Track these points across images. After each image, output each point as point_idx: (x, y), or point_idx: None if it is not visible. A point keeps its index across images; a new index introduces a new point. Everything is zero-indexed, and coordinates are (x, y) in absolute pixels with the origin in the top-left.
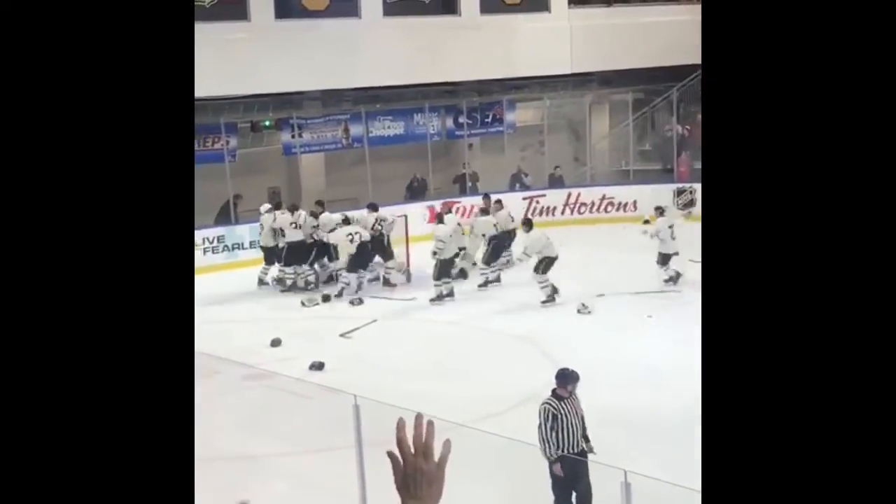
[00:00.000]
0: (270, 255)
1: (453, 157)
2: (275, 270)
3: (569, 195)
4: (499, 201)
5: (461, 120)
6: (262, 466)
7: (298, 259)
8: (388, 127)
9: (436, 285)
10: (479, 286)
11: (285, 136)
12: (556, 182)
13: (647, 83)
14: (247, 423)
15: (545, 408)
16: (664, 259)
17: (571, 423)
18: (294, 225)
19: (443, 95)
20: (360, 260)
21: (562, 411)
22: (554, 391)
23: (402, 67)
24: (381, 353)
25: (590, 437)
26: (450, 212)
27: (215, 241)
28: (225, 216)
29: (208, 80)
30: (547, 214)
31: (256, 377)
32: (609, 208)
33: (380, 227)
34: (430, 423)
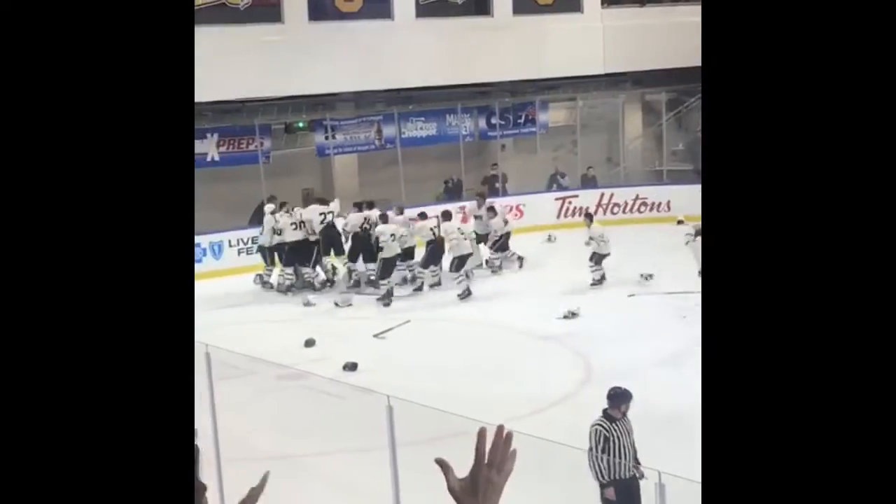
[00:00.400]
0: (269, 256)
1: (485, 157)
2: (276, 273)
3: (602, 195)
4: (491, 207)
5: (493, 121)
6: (297, 466)
7: (300, 260)
8: (421, 128)
9: (382, 285)
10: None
11: (319, 138)
12: (588, 182)
13: (680, 83)
14: (281, 423)
15: (596, 429)
16: (598, 259)
17: (624, 446)
18: (294, 225)
19: (475, 96)
20: (433, 257)
21: (614, 434)
22: (605, 411)
23: (434, 68)
24: (415, 354)
25: (639, 458)
26: (449, 217)
27: (249, 241)
28: (259, 217)
29: (243, 82)
30: (579, 215)
31: (291, 377)
32: (642, 208)
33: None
34: (510, 435)
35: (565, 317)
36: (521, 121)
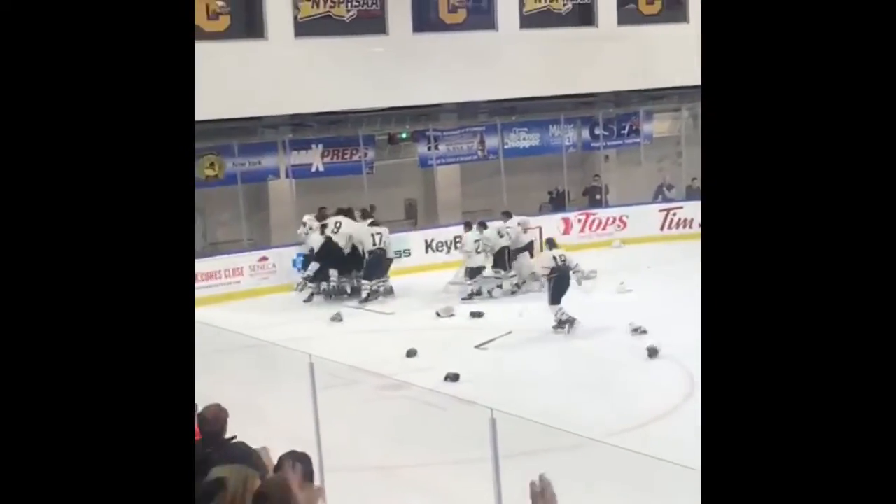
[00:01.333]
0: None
1: (589, 168)
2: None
3: None
4: (482, 222)
5: (597, 131)
6: (397, 477)
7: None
8: (524, 138)
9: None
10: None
11: (422, 148)
12: (693, 194)
13: None
14: (382, 434)
15: None
16: (471, 273)
17: None
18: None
19: (579, 107)
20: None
21: None
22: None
23: (538, 79)
24: (517, 366)
25: None
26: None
27: None
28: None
29: (347, 93)
30: (684, 227)
31: (393, 387)
32: None
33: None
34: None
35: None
36: (625, 131)
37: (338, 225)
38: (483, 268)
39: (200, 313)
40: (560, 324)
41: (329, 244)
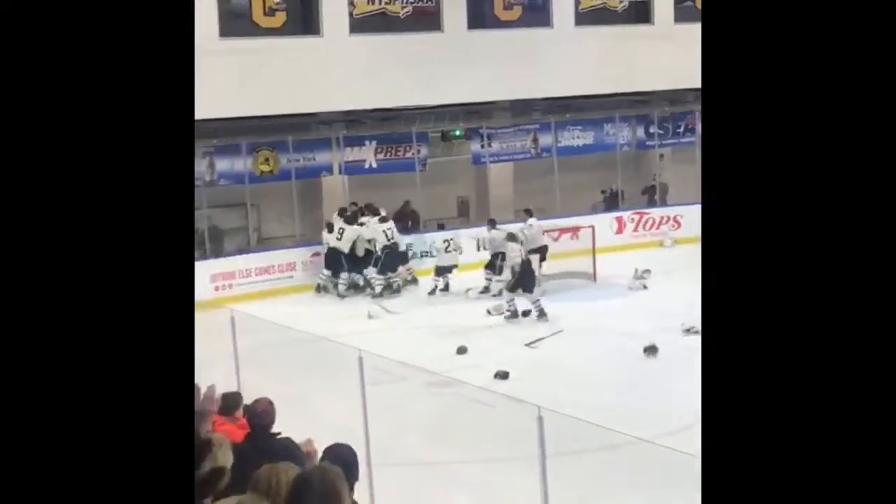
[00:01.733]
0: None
1: (643, 167)
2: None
3: None
4: (491, 220)
5: (652, 130)
6: (443, 474)
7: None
8: (578, 137)
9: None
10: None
11: (474, 146)
12: None
13: None
14: (430, 430)
15: None
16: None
17: None
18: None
19: (634, 105)
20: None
21: None
22: None
23: (592, 77)
24: (567, 364)
25: None
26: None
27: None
28: (416, 225)
29: (401, 90)
30: None
31: (442, 384)
32: None
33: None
34: None
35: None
36: (681, 130)
37: (341, 231)
38: (454, 266)
39: (254, 307)
40: (514, 314)
41: (334, 252)
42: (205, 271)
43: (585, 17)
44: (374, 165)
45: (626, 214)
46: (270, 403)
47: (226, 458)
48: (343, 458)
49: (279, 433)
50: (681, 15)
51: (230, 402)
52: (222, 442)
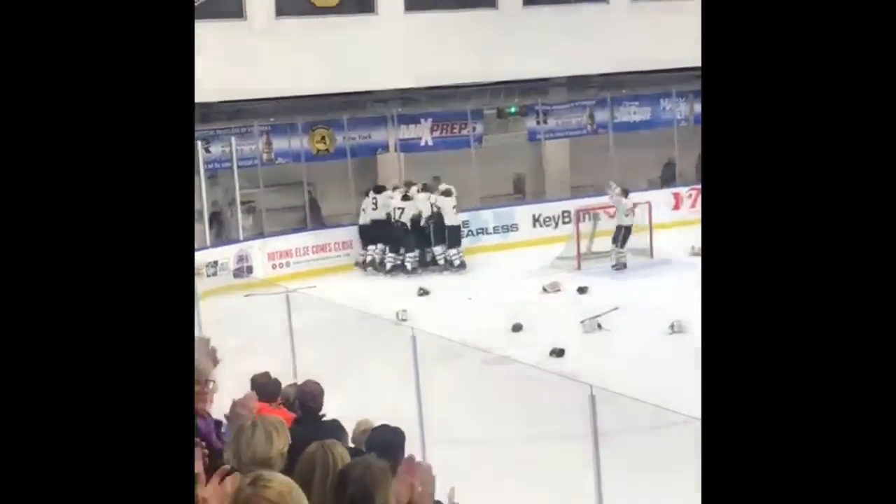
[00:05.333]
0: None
1: (700, 143)
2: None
3: None
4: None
5: None
6: (495, 452)
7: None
8: (634, 112)
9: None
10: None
11: (530, 123)
12: None
13: None
14: (483, 408)
15: None
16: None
17: None
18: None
19: (691, 80)
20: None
21: None
22: None
23: (649, 52)
24: (623, 341)
25: None
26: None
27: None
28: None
29: (456, 67)
30: None
31: (496, 362)
32: None
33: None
34: None
35: None
36: None
37: (375, 201)
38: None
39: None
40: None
41: (375, 225)
42: (262, 250)
43: None
44: (430, 143)
45: (683, 190)
46: (318, 385)
47: (283, 443)
48: (388, 442)
49: (324, 415)
50: None
51: (269, 388)
52: (281, 425)
